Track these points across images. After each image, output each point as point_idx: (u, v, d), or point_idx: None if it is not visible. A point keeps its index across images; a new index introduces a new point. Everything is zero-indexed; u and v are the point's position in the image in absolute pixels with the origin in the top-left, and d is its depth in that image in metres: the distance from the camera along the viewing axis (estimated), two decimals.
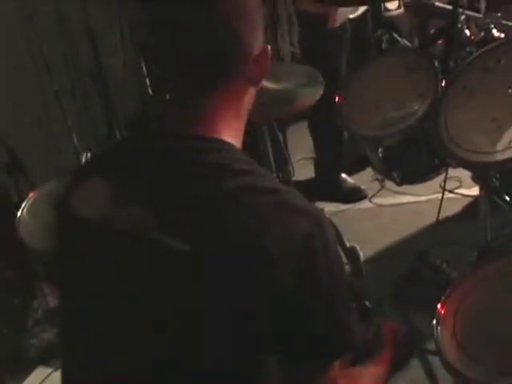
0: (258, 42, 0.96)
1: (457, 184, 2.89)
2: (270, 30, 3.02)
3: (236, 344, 0.88)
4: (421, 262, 2.44)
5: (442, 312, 1.41)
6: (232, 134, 0.98)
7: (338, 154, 3.20)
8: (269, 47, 0.98)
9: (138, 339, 0.93)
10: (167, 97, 0.98)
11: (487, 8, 2.68)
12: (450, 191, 2.74)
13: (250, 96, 1.01)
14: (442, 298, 1.44)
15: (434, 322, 1.40)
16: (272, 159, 2.16)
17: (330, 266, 0.91)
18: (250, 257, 0.85)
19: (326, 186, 3.21)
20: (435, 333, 1.38)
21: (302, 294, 0.88)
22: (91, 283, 0.99)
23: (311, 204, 0.93)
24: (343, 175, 3.25)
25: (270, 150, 2.14)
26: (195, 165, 0.91)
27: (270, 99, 1.91)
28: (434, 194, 2.68)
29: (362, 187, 3.18)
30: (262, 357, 0.90)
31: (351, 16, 2.98)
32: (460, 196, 2.89)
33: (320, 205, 3.13)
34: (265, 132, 2.18)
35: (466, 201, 2.83)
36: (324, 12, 2.84)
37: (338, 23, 2.90)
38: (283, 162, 2.66)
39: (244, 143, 1.03)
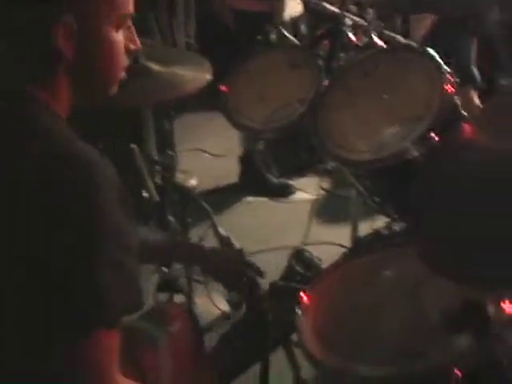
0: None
1: (333, 184, 3.00)
2: (166, 21, 2.97)
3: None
4: (295, 258, 2.49)
5: (305, 303, 1.44)
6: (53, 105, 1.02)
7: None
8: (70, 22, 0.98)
9: None
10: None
11: (376, 18, 2.78)
12: (325, 190, 2.84)
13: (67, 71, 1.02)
14: (306, 289, 1.48)
15: (298, 312, 1.43)
16: (154, 143, 2.12)
17: (100, 213, 0.92)
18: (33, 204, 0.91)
19: (254, 182, 3.14)
20: (297, 324, 1.41)
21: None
22: None
23: (90, 153, 0.96)
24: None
25: (152, 133, 2.10)
26: None
27: (155, 82, 1.87)
28: (312, 192, 2.76)
29: (290, 183, 3.12)
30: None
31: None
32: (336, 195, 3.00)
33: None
34: (149, 115, 2.13)
35: (341, 200, 2.94)
36: (267, 9, 2.81)
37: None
38: (166, 147, 2.61)
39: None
